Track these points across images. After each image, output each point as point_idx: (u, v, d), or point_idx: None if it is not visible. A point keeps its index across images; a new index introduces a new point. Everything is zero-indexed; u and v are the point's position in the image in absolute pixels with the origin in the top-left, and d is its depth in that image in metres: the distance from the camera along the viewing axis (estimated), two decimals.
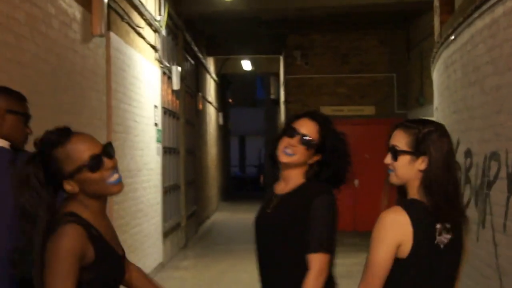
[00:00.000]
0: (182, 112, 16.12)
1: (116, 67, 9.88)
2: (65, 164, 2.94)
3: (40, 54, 6.68)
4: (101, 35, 8.74)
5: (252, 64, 25.05)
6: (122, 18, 10.20)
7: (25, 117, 4.08)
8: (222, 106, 28.89)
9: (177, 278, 12.62)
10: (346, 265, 13.42)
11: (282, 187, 3.92)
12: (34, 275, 2.87)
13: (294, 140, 3.75)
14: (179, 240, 15.80)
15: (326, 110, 18.68)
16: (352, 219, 17.30)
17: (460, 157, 7.40)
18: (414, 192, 3.20)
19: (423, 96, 16.56)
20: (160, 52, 13.28)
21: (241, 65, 25.14)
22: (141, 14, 11.49)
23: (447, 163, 3.17)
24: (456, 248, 3.22)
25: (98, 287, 2.97)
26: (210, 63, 23.25)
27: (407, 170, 3.20)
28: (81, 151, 2.94)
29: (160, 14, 13.22)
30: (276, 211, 3.84)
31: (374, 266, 3.11)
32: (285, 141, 3.78)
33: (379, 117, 18.61)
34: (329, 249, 3.69)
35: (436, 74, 9.49)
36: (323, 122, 3.86)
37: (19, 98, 4.11)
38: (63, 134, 3.00)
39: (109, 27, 9.47)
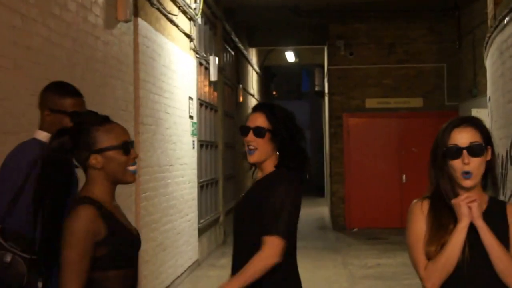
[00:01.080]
0: (221, 105, 15.56)
1: (145, 56, 9.34)
2: (100, 140, 3.23)
3: (52, 38, 6.14)
4: (126, 21, 8.21)
5: (296, 55, 24.42)
6: (152, 4, 9.66)
7: (69, 114, 3.99)
8: (266, 99, 28.30)
9: (213, 277, 12.08)
10: (392, 265, 12.84)
11: (259, 175, 4.03)
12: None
13: (249, 137, 3.88)
14: (217, 236, 15.29)
15: (372, 103, 18.09)
16: (399, 215, 16.60)
17: None
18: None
19: (476, 87, 15.81)
20: (195, 41, 12.73)
21: (285, 57, 24.51)
22: (173, 0, 10.94)
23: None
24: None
25: (112, 261, 3.20)
26: (252, 55, 22.67)
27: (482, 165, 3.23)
28: (118, 134, 3.28)
29: (195, 2, 12.66)
30: (245, 197, 4.08)
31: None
32: (245, 141, 3.94)
33: (427, 110, 17.88)
34: (285, 235, 3.74)
35: (490, 61, 8.77)
36: (269, 110, 3.95)
37: (64, 94, 4.16)
38: (104, 117, 3.35)
39: (136, 13, 8.94)
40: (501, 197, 7.49)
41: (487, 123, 12.68)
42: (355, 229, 17.72)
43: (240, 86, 18.93)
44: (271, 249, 3.71)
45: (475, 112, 12.99)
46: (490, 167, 3.26)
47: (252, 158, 3.92)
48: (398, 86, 18.10)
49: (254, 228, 3.83)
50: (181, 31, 11.49)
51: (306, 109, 34.70)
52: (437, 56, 18.02)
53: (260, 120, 3.89)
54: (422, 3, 17.08)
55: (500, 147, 7.68)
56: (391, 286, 10.90)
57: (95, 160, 3.24)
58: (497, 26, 7.63)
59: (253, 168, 4.10)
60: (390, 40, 18.12)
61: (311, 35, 19.91)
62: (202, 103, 13.59)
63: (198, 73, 13.16)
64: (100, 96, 7.44)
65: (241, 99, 18.98)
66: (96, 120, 3.31)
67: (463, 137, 3.22)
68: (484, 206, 3.26)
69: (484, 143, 3.21)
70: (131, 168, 3.32)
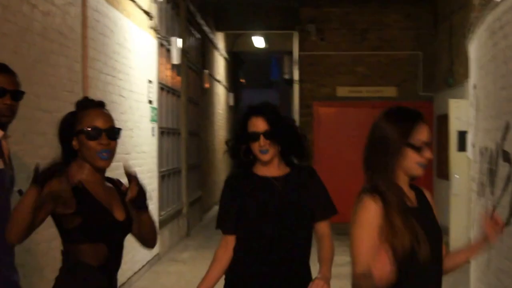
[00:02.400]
0: (185, 90, 14.62)
1: (95, 31, 8.40)
2: (78, 124, 3.48)
3: None
4: None
5: (266, 41, 23.47)
6: None
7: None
8: (234, 86, 27.40)
9: (173, 273, 11.24)
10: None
11: (270, 171, 4.18)
12: None
13: (262, 141, 4.06)
14: (179, 228, 14.41)
15: (343, 91, 17.28)
16: None
17: (511, 145, 5.86)
18: None
19: (453, 77, 15.06)
20: (156, 20, 11.78)
21: (254, 43, 23.58)
22: None
23: None
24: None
25: (82, 234, 3.44)
26: (220, 39, 21.74)
27: None
28: (90, 120, 3.48)
29: None
30: (282, 198, 4.14)
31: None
32: (256, 145, 4.08)
33: (401, 100, 17.04)
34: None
35: (475, 46, 7.93)
36: (268, 111, 4.14)
37: None
38: (92, 103, 3.60)
39: None
40: (491, 198, 6.65)
41: (469, 113, 11.88)
42: None
43: (206, 71, 17.99)
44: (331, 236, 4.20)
45: (453, 103, 12.20)
46: None
47: (267, 157, 4.11)
48: (371, 74, 17.26)
49: (304, 221, 4.15)
50: (138, 6, 10.54)
51: (275, 98, 34.04)
52: (412, 44, 17.20)
53: (264, 124, 4.08)
54: None
55: (488, 141, 6.84)
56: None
57: (74, 142, 3.50)
58: (487, 4, 6.80)
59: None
60: (364, 25, 17.25)
61: (281, 19, 19.01)
62: (163, 88, 12.65)
63: (159, 55, 12.21)
64: (39, 73, 6.48)
65: (207, 85, 18.04)
66: (84, 104, 3.60)
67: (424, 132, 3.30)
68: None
69: None
70: (101, 154, 3.48)
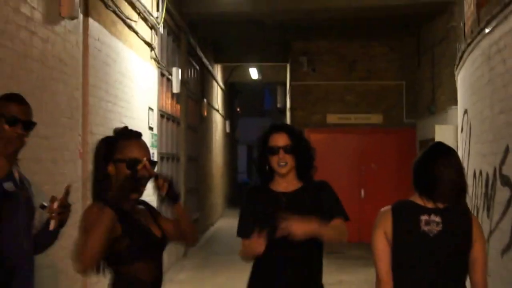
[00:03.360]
0: (184, 117, 14.01)
1: (97, 60, 7.80)
2: (117, 152, 3.41)
3: None
4: (72, 18, 6.66)
5: (259, 73, 22.99)
6: (107, 5, 8.13)
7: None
8: (230, 114, 26.84)
9: None
10: (354, 283, 11.42)
11: (285, 186, 4.11)
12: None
13: (281, 154, 4.02)
14: (177, 249, 13.68)
15: (333, 118, 16.76)
16: (357, 230, 15.12)
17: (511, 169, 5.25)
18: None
19: (435, 104, 14.56)
20: (157, 51, 11.20)
21: (249, 74, 23.06)
22: (132, 5, 9.41)
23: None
24: (449, 237, 3.52)
25: (133, 254, 3.34)
26: (217, 71, 21.20)
27: None
28: (130, 150, 3.41)
29: (158, 10, 11.15)
30: (298, 210, 3.95)
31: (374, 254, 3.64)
32: (275, 158, 4.04)
33: (387, 126, 16.56)
34: (347, 219, 3.99)
35: (468, 70, 7.34)
36: (289, 129, 4.14)
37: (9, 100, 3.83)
38: (132, 134, 3.49)
39: (87, 12, 7.41)
40: (487, 221, 6.04)
41: (453, 138, 11.32)
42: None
43: (205, 100, 17.42)
44: (343, 228, 3.92)
45: (438, 129, 11.62)
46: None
47: (284, 170, 4.05)
48: (359, 102, 16.75)
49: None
50: (141, 38, 9.96)
51: (268, 125, 33.53)
52: (397, 74, 16.73)
53: (285, 139, 4.04)
54: (384, 22, 15.74)
55: (484, 164, 6.24)
56: None
57: (111, 168, 3.43)
58: (481, 30, 6.22)
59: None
60: (352, 57, 16.77)
61: (274, 52, 18.53)
62: (164, 115, 12.04)
63: (160, 84, 11.62)
64: (36, 99, 5.84)
65: (205, 113, 17.45)
66: (125, 133, 3.50)
67: None
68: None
69: None
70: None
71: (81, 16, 7.19)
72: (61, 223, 3.75)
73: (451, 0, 13.01)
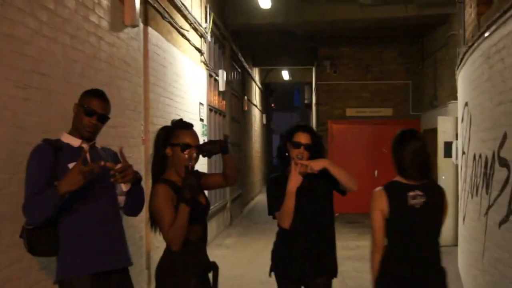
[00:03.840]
0: (229, 111, 13.77)
1: (156, 63, 7.58)
2: (174, 138, 3.48)
3: (43, 31, 4.38)
4: (133, 26, 6.44)
5: (290, 74, 22.65)
6: (163, 16, 7.90)
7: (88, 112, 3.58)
8: (266, 109, 26.54)
9: (219, 256, 10.28)
10: (368, 248, 11.12)
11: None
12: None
13: (301, 150, 4.06)
14: (224, 219, 13.52)
15: (351, 112, 16.37)
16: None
17: (509, 153, 4.90)
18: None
19: (437, 100, 14.13)
20: (206, 55, 10.96)
21: (282, 75, 22.75)
22: (184, 17, 9.17)
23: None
24: (430, 207, 3.59)
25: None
26: (256, 73, 20.91)
27: None
28: (184, 137, 3.48)
29: (206, 22, 10.90)
30: (314, 194, 4.12)
31: (372, 228, 3.65)
32: (295, 151, 4.07)
33: (396, 118, 16.13)
34: None
35: (467, 71, 6.97)
36: (312, 131, 4.17)
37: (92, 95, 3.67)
38: (186, 124, 3.58)
39: (146, 22, 7.18)
40: (486, 197, 5.69)
41: (453, 127, 10.92)
42: (337, 214, 15.92)
43: (245, 97, 17.16)
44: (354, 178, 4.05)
45: (441, 120, 11.22)
46: None
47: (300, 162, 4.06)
48: (373, 98, 16.33)
49: (328, 205, 4.17)
50: (192, 45, 9.72)
51: (297, 119, 33.40)
52: (404, 75, 16.26)
53: (308, 139, 4.09)
54: (394, 32, 15.41)
55: (484, 148, 5.89)
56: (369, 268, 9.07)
57: (169, 150, 3.49)
58: (481, 34, 5.85)
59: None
60: (368, 61, 16.34)
61: (303, 57, 18.18)
62: (212, 109, 11.82)
63: (209, 83, 11.39)
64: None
65: (246, 107, 17.19)
66: (181, 124, 3.57)
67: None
68: None
69: None
70: (186, 163, 3.42)
71: (141, 25, 6.98)
72: (132, 181, 3.48)
73: (451, 12, 12.59)
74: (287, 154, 4.12)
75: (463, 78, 7.51)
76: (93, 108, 3.54)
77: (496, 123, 5.27)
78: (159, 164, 3.55)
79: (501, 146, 5.08)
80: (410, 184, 3.60)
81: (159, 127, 7.30)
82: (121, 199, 3.62)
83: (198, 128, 10.27)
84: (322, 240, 4.08)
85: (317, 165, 3.86)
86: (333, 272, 4.15)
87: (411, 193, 3.58)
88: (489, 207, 5.48)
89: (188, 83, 9.44)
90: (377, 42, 16.14)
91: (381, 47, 16.24)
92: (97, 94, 3.64)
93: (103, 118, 3.62)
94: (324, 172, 3.92)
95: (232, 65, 14.73)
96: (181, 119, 3.63)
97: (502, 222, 4.93)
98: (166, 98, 8.02)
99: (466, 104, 7.06)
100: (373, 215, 3.64)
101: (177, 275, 3.40)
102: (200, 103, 10.44)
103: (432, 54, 14.72)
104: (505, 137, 4.96)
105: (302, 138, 4.08)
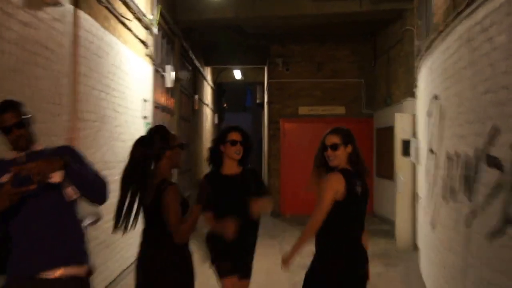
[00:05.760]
0: (177, 109, 12.55)
1: (88, 51, 6.34)
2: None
3: None
4: (54, 3, 5.20)
5: (242, 74, 21.52)
6: (99, 0, 6.67)
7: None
8: (219, 109, 25.34)
9: None
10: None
11: (233, 169, 4.58)
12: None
13: (238, 146, 4.49)
14: None
15: (303, 110, 15.34)
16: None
17: (501, 150, 3.88)
18: (343, 166, 3.83)
19: (390, 98, 13.26)
20: (152, 49, 9.73)
21: (234, 75, 21.60)
22: (126, 4, 7.91)
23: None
24: (365, 194, 3.85)
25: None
26: (208, 72, 19.70)
27: (343, 154, 3.85)
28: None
29: (152, 14, 9.67)
30: (247, 181, 4.67)
31: (323, 205, 3.69)
32: (233, 148, 4.49)
33: (348, 116, 15.21)
34: None
35: (437, 60, 5.96)
36: (242, 131, 4.59)
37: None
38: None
39: (77, 4, 5.94)
40: (467, 203, 4.67)
41: (411, 125, 9.99)
42: (287, 215, 14.94)
43: (196, 96, 15.93)
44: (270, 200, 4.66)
45: (399, 116, 10.28)
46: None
47: (238, 157, 4.53)
48: (325, 97, 15.34)
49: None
50: (135, 36, 8.48)
51: (249, 119, 32.47)
52: (357, 73, 15.33)
53: (240, 136, 4.53)
54: (347, 30, 14.40)
55: (462, 145, 4.87)
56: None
57: (169, 153, 3.73)
58: (458, 14, 4.84)
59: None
60: (320, 59, 15.33)
61: (255, 56, 17.07)
62: (158, 106, 10.57)
63: (155, 79, 10.15)
64: (12, 82, 4.42)
65: (196, 107, 15.97)
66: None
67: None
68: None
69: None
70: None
71: (70, 7, 5.73)
72: (59, 169, 3.07)
73: (405, 7, 11.71)
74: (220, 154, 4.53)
75: (430, 70, 6.52)
76: (6, 124, 3.20)
77: (481, 115, 4.25)
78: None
79: (490, 142, 4.06)
80: (354, 173, 3.82)
81: (92, 123, 6.02)
82: (71, 192, 3.25)
83: (141, 126, 9.04)
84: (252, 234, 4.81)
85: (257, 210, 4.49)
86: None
87: (355, 181, 3.78)
88: (473, 215, 4.46)
89: (129, 77, 8.21)
90: (330, 40, 15.16)
91: (333, 45, 15.27)
92: (3, 109, 3.22)
93: (21, 124, 3.25)
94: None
95: (183, 63, 13.52)
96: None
97: (495, 236, 3.89)
98: (101, 92, 6.79)
99: (436, 97, 6.06)
100: (327, 194, 3.68)
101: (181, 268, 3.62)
102: (144, 100, 9.21)
103: (385, 51, 13.84)
104: (495, 131, 3.94)
105: (237, 136, 4.52)
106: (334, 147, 3.84)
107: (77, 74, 5.92)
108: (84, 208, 3.62)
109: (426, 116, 6.84)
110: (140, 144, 3.70)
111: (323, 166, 3.87)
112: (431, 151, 6.47)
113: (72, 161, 3.14)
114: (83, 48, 6.14)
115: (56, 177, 3.09)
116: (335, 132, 3.97)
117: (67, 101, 5.67)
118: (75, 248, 3.25)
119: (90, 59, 6.39)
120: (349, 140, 3.90)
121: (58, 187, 3.20)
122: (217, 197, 4.33)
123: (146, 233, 3.73)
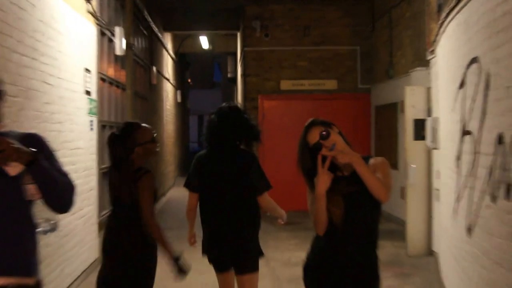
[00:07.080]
0: (131, 84, 11.56)
1: (4, 2, 5.37)
2: (141, 138, 4.53)
3: None
4: None
5: (210, 42, 20.55)
6: None
7: None
8: (182, 86, 24.36)
9: None
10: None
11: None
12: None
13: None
14: None
15: (286, 84, 14.52)
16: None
17: None
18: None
19: (393, 68, 12.49)
20: (96, 6, 8.75)
21: (200, 44, 20.61)
22: None
23: None
24: None
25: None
26: (168, 40, 18.70)
27: (339, 138, 3.66)
28: (149, 133, 4.61)
29: None
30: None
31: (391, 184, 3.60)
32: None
33: (341, 91, 14.43)
34: None
35: (482, 7, 5.13)
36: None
37: None
38: (139, 124, 4.63)
39: None
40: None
41: (425, 101, 9.24)
42: (268, 214, 14.08)
43: (154, 68, 14.94)
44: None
45: (409, 90, 9.49)
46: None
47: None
48: (313, 68, 14.52)
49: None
50: None
51: (218, 96, 31.66)
52: (351, 39, 14.54)
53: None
54: None
55: (494, 128, 4.05)
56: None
57: (140, 149, 4.51)
58: None
59: None
60: (306, 22, 14.49)
61: (226, 18, 16.14)
62: (105, 79, 9.58)
63: (100, 44, 9.17)
64: None
65: (154, 81, 14.98)
66: (137, 125, 4.65)
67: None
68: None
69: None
70: (156, 149, 4.72)
71: None
72: (22, 162, 2.78)
73: None
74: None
75: (465, 25, 5.69)
76: None
77: None
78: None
79: None
80: None
81: (12, 99, 5.04)
82: (33, 190, 2.95)
83: (83, 104, 8.08)
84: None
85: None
86: None
87: None
88: None
89: (64, 38, 7.23)
90: None
91: (323, 4, 14.41)
92: None
93: None
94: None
95: (137, 25, 12.54)
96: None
97: None
98: (24, 57, 5.81)
99: (474, 60, 5.23)
100: (391, 180, 3.69)
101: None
102: (86, 69, 8.24)
103: (386, 11, 13.04)
104: None
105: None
106: (325, 136, 3.54)
107: None
108: (40, 212, 3.21)
109: (456, 88, 6.02)
110: (119, 140, 4.50)
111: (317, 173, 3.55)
112: (465, 132, 5.66)
113: (41, 157, 2.86)
114: None
115: (12, 169, 2.82)
116: (313, 124, 3.67)
117: None
118: (25, 259, 3.00)
119: (8, 12, 5.42)
120: (329, 122, 3.69)
121: (16, 180, 2.91)
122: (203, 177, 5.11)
123: (115, 216, 4.47)
